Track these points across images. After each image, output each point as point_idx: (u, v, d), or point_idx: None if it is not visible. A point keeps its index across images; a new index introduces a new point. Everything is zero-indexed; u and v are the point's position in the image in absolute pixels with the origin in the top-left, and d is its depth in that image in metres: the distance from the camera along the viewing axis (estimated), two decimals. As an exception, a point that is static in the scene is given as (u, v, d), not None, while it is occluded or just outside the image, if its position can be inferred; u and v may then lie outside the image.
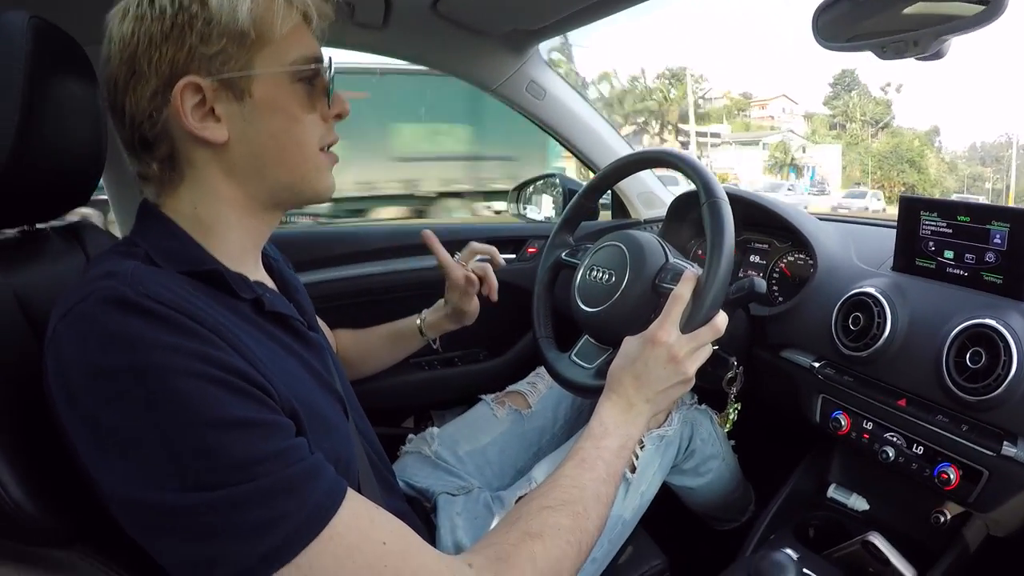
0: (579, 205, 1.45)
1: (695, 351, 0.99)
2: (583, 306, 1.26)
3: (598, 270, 1.26)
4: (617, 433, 0.94)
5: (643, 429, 0.99)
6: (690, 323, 1.00)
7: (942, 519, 1.18)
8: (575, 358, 1.28)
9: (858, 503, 1.33)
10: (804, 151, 48.36)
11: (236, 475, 0.61)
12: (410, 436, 1.44)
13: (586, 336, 1.30)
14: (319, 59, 0.85)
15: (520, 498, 1.17)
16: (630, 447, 0.96)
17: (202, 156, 0.80)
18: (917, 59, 1.04)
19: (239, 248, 0.86)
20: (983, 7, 0.91)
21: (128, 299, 0.64)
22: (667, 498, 1.49)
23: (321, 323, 1.15)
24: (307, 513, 0.63)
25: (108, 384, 0.61)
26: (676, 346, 0.97)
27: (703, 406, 1.49)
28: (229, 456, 0.61)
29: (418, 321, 1.43)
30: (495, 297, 1.39)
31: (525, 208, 2.23)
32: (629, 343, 1.02)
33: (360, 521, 0.68)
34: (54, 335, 0.65)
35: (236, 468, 0.61)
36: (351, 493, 0.69)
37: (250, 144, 0.81)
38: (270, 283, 0.94)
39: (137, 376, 0.61)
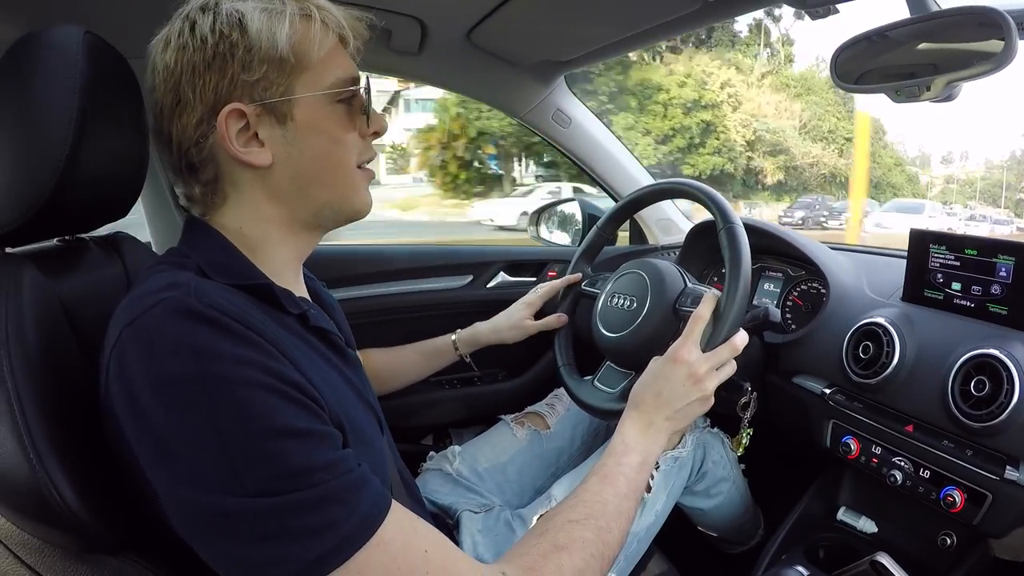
0: (597, 236, 1.51)
1: (714, 369, 1.03)
2: (605, 332, 1.30)
3: (619, 297, 1.31)
4: (638, 449, 0.98)
5: (663, 446, 1.03)
6: (711, 343, 1.06)
7: (949, 541, 1.21)
8: (598, 384, 1.31)
9: (867, 525, 1.35)
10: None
11: (293, 482, 0.64)
12: (431, 453, 1.46)
13: (608, 362, 1.33)
14: (356, 80, 0.87)
15: (541, 516, 1.19)
16: (650, 463, 1.00)
17: (246, 178, 0.83)
18: (931, 102, 1.09)
19: (282, 264, 0.89)
20: (992, 53, 0.96)
21: (195, 309, 0.67)
22: (682, 519, 1.52)
23: None
24: (357, 521, 0.67)
25: (174, 392, 0.64)
26: (696, 364, 1.02)
27: (715, 429, 1.52)
28: (286, 464, 0.64)
29: (453, 338, 1.51)
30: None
31: (546, 232, 2.25)
32: (653, 363, 1.07)
33: (404, 530, 0.71)
34: (119, 344, 0.67)
35: (293, 476, 0.64)
36: (395, 504, 0.72)
37: (293, 166, 0.84)
38: (309, 299, 0.97)
39: (202, 385, 0.64)
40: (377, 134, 0.93)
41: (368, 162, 0.93)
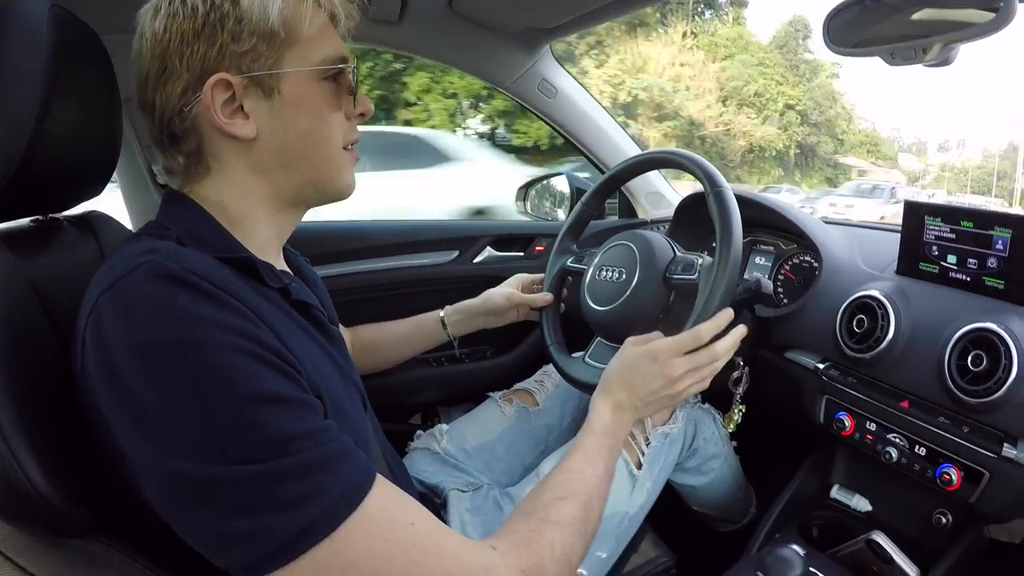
0: (582, 212, 1.48)
1: (689, 372, 1.03)
2: (594, 305, 1.27)
3: (608, 269, 1.28)
4: (610, 432, 1.00)
5: (627, 432, 1.04)
6: (705, 310, 1.05)
7: (944, 520, 1.20)
8: (589, 360, 1.29)
9: (861, 504, 1.35)
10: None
11: (275, 450, 0.62)
12: (418, 432, 1.44)
13: (598, 338, 1.31)
14: (345, 59, 0.87)
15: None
16: (619, 449, 1.01)
17: (229, 151, 0.82)
18: (925, 65, 1.06)
19: (264, 240, 0.88)
20: (991, 15, 0.93)
21: (175, 273, 0.65)
22: (674, 497, 1.51)
23: None
24: (343, 490, 0.65)
25: (152, 357, 0.62)
26: (673, 367, 1.02)
27: (706, 405, 1.51)
28: (267, 431, 0.62)
29: (440, 314, 1.49)
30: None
31: (533, 206, 2.23)
32: (629, 350, 1.07)
33: (390, 502, 0.69)
34: (95, 311, 0.65)
35: (274, 443, 0.62)
36: (380, 477, 0.70)
37: (277, 140, 0.83)
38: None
39: (182, 349, 0.62)
40: (363, 115, 0.93)
41: (354, 143, 0.92)
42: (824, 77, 32.19)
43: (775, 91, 29.40)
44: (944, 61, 1.04)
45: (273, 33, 0.79)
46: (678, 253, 1.24)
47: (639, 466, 1.25)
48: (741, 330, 1.08)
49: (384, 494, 0.69)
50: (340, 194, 0.91)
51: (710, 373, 1.05)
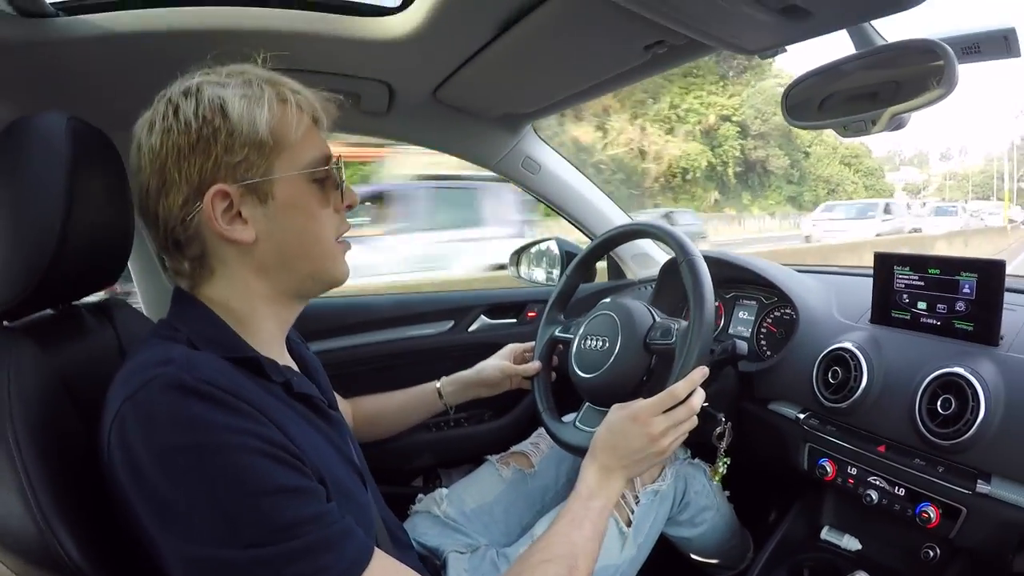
0: (567, 284, 1.55)
1: (669, 429, 1.07)
2: (581, 373, 1.33)
3: (592, 338, 1.34)
4: (600, 495, 1.04)
5: (620, 490, 1.08)
6: (682, 372, 1.10)
7: (932, 554, 1.23)
8: (579, 424, 1.34)
9: (851, 543, 1.37)
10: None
11: (284, 535, 0.70)
12: (420, 496, 1.48)
13: (587, 404, 1.36)
14: (330, 158, 0.93)
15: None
16: (609, 509, 1.05)
17: (231, 254, 0.88)
18: (877, 134, 1.13)
19: (268, 335, 0.94)
20: (936, 80, 0.99)
21: (187, 384, 0.72)
22: (667, 549, 1.53)
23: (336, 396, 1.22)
24: (345, 566, 0.72)
25: (172, 460, 0.70)
26: (655, 425, 1.06)
27: (696, 460, 1.55)
28: (278, 519, 0.70)
29: (437, 385, 1.54)
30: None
31: (526, 271, 2.28)
32: (614, 415, 1.11)
33: (386, 574, 0.76)
34: (119, 416, 0.72)
35: (284, 529, 0.70)
36: (378, 551, 0.77)
37: (275, 242, 0.88)
38: (293, 365, 1.02)
39: (198, 454, 0.69)
40: (350, 207, 0.98)
41: (343, 234, 0.98)
42: (766, 81, 28.60)
43: (703, 102, 26.26)
44: (897, 126, 1.10)
45: (263, 143, 0.84)
46: (657, 319, 1.29)
47: (628, 524, 1.29)
48: (702, 372, 1.11)
49: (383, 567, 0.77)
50: (337, 282, 0.97)
51: (689, 427, 1.09)
